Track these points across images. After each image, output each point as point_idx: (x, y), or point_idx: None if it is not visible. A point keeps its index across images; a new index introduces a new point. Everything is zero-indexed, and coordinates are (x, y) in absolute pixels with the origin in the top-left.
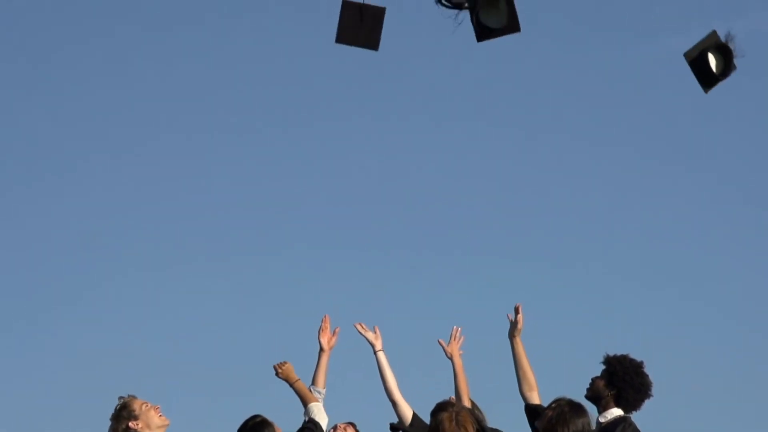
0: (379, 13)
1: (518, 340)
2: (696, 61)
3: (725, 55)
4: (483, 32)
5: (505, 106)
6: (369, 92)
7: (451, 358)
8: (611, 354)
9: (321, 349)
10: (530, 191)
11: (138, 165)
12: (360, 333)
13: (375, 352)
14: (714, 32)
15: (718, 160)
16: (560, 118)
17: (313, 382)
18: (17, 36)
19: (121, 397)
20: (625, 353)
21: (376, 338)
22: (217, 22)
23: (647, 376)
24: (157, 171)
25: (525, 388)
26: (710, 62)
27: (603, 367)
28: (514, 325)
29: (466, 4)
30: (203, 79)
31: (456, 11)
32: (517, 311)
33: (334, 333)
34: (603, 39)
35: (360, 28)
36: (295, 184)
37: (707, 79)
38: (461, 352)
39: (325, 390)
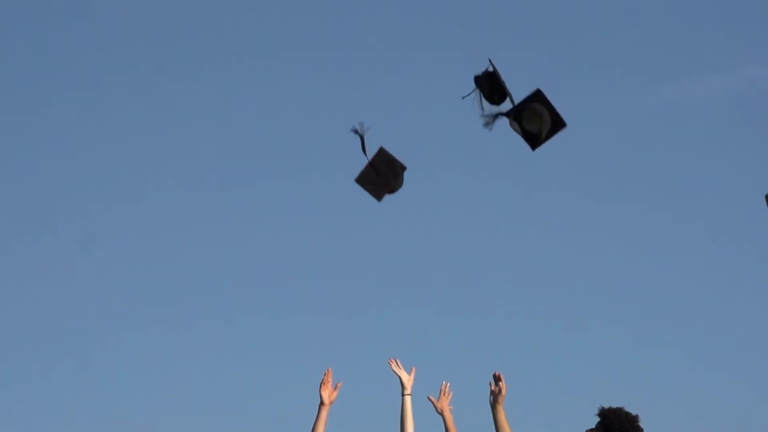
0: (384, 154)
1: (500, 408)
2: None
3: None
4: (533, 139)
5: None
6: None
7: (441, 414)
8: (606, 406)
9: (321, 403)
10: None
11: None
12: (393, 371)
13: (403, 395)
14: None
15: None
16: (558, 174)
17: None
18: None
19: None
20: (620, 406)
21: (409, 380)
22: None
23: (642, 429)
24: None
25: None
26: None
27: (598, 419)
28: (497, 392)
29: (506, 112)
30: None
31: (496, 117)
32: (498, 379)
33: (336, 387)
34: (600, 89)
35: (383, 177)
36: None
37: None
38: (451, 407)
39: None
